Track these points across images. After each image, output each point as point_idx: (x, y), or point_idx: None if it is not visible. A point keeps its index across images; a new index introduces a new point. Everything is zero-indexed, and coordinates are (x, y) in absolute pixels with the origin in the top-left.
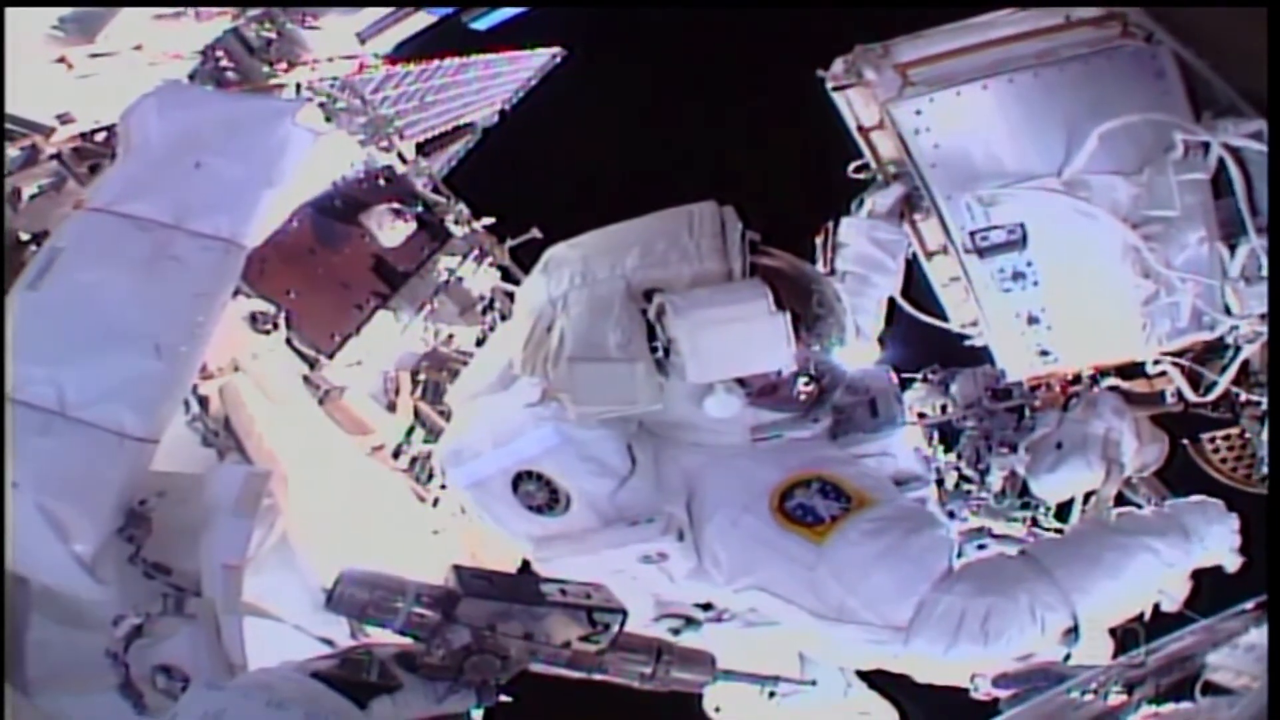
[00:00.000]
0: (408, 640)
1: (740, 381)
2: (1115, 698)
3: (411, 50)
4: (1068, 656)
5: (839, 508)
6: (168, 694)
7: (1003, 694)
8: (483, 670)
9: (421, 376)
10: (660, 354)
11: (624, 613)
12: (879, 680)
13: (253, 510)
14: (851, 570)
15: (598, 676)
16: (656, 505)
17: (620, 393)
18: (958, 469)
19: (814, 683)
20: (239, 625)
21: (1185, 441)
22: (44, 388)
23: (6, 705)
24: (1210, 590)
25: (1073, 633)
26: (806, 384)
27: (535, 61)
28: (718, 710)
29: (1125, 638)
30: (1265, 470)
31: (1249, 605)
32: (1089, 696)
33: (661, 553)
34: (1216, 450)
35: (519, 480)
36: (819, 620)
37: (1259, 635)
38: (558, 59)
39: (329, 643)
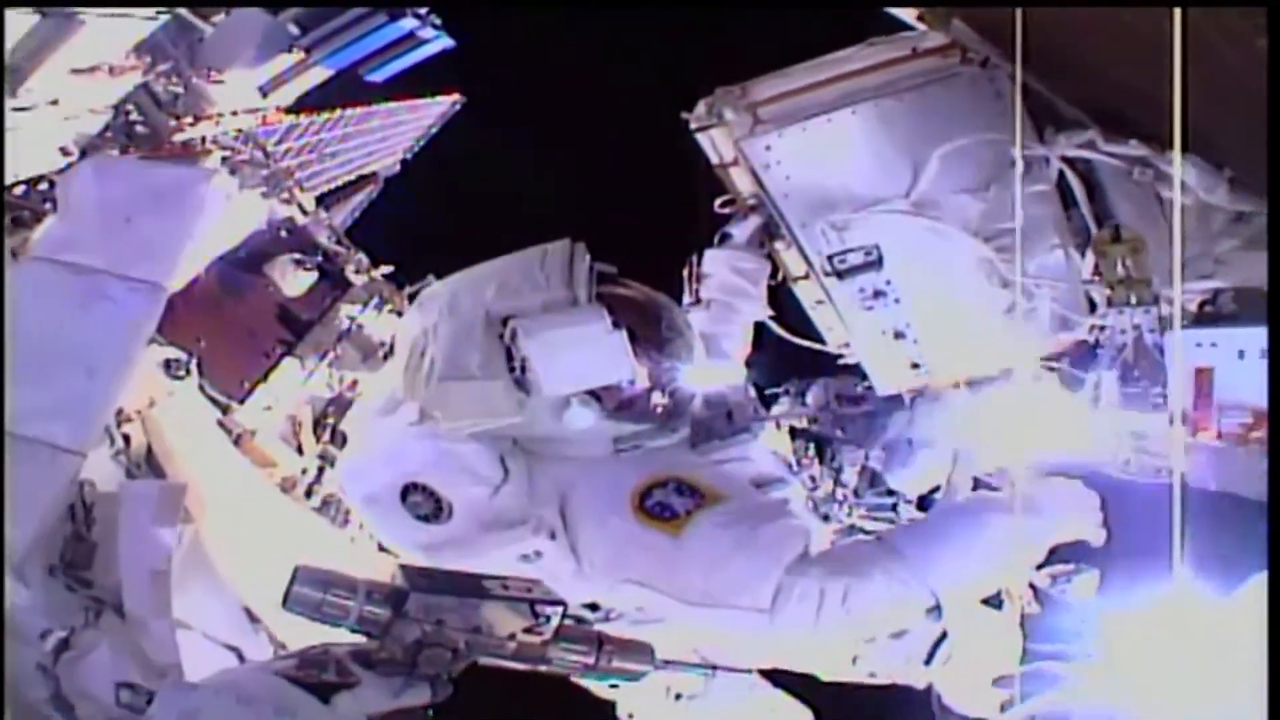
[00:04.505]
0: (361, 638)
1: (597, 397)
2: None
3: (311, 103)
4: (944, 636)
5: (693, 503)
6: (131, 709)
7: None
8: (435, 664)
9: (330, 420)
10: (518, 372)
11: (564, 604)
12: (799, 684)
13: (173, 519)
14: (708, 558)
15: (543, 668)
16: (530, 510)
17: (483, 407)
18: (834, 475)
19: (750, 671)
20: (170, 628)
21: None
22: None
23: (7, 703)
24: None
25: (936, 609)
26: (661, 398)
27: (435, 109)
28: (630, 717)
29: None
30: None
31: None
32: None
33: (537, 551)
34: None
35: (407, 492)
36: (691, 607)
37: None
38: (457, 106)
39: (235, 650)
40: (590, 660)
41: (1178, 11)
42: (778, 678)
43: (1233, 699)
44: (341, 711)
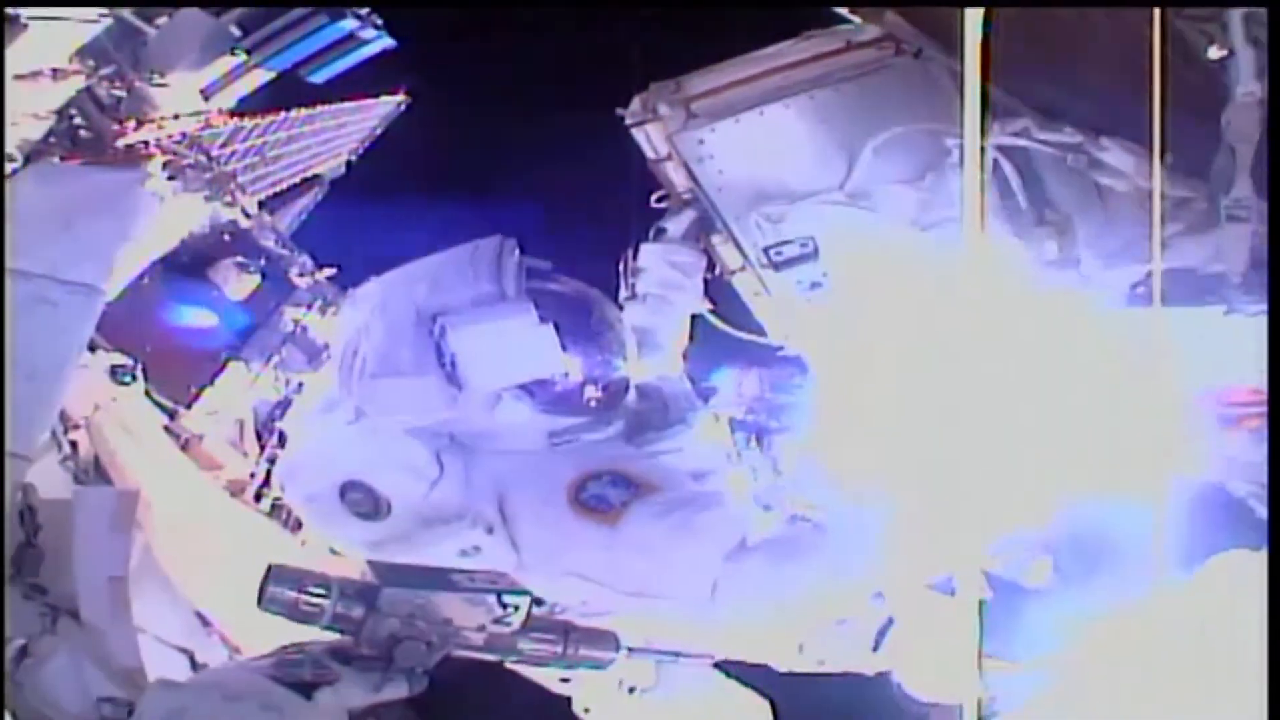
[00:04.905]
0: (330, 635)
1: (530, 392)
2: None
3: (254, 105)
4: (889, 623)
5: (628, 495)
6: None
7: None
8: (411, 657)
9: (277, 425)
10: (448, 368)
11: (530, 595)
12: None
13: (129, 526)
14: (645, 549)
15: (513, 659)
16: (467, 505)
17: (415, 403)
18: (772, 465)
19: (711, 657)
20: (132, 633)
21: None
22: None
23: (6, 698)
24: None
25: (880, 593)
26: (594, 392)
27: (379, 110)
28: (587, 711)
29: None
30: None
31: None
32: None
33: (476, 546)
34: None
35: (345, 490)
36: (630, 598)
37: None
38: (402, 106)
39: (188, 653)
40: (558, 649)
41: (1157, 12)
42: (733, 670)
43: (1207, 684)
44: (323, 707)
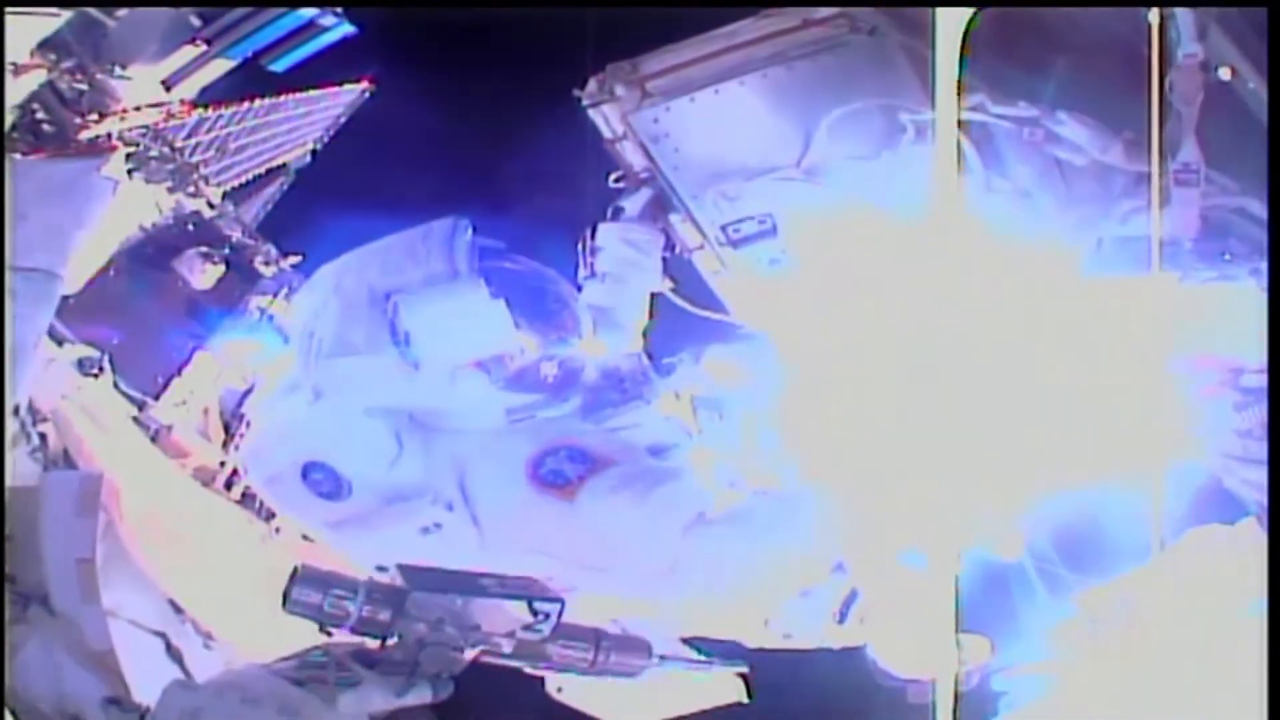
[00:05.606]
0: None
1: (487, 369)
2: None
3: (217, 95)
4: (854, 595)
5: (585, 469)
6: None
7: None
8: (438, 662)
9: (244, 413)
10: (403, 346)
11: (562, 601)
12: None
13: (95, 508)
14: (603, 523)
15: (542, 666)
16: (426, 483)
17: (372, 382)
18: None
19: (742, 665)
20: (102, 615)
21: None
22: None
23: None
24: None
25: (840, 566)
26: (551, 368)
27: (345, 98)
28: (560, 691)
29: None
30: None
31: None
32: None
33: (436, 523)
34: None
35: (307, 471)
36: (593, 573)
37: None
38: (366, 94)
39: (162, 635)
40: (589, 656)
41: (1154, 12)
42: (708, 647)
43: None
44: (345, 712)
